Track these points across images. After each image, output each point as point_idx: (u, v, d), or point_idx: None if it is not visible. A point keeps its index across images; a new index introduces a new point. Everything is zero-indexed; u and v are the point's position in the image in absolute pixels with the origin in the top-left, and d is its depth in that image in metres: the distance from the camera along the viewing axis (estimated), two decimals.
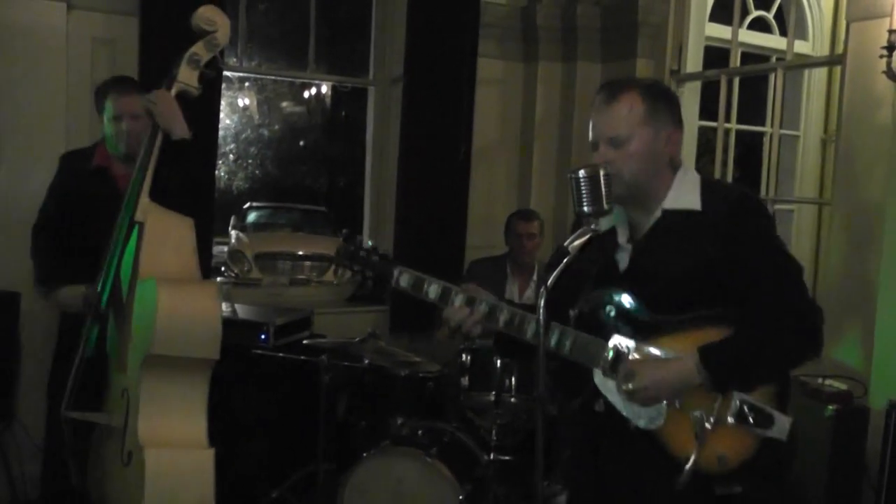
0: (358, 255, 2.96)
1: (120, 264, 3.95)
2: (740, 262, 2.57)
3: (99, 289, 3.96)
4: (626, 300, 2.67)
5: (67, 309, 4.29)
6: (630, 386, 2.58)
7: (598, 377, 2.68)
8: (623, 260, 2.76)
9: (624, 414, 2.64)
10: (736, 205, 2.64)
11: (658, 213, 2.70)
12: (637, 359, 2.63)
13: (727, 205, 2.64)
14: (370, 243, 3.01)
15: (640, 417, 2.61)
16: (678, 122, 2.75)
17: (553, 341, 2.69)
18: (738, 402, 2.55)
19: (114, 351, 4.04)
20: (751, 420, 2.54)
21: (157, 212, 3.89)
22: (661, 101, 2.71)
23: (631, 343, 2.64)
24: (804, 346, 2.65)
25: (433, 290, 2.86)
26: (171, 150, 4.04)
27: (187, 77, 4.03)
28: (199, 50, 4.02)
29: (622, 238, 2.78)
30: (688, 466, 2.51)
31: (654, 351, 2.62)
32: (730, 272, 2.57)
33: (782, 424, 2.55)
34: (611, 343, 2.66)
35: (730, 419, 2.55)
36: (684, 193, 2.70)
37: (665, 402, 2.59)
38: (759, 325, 2.56)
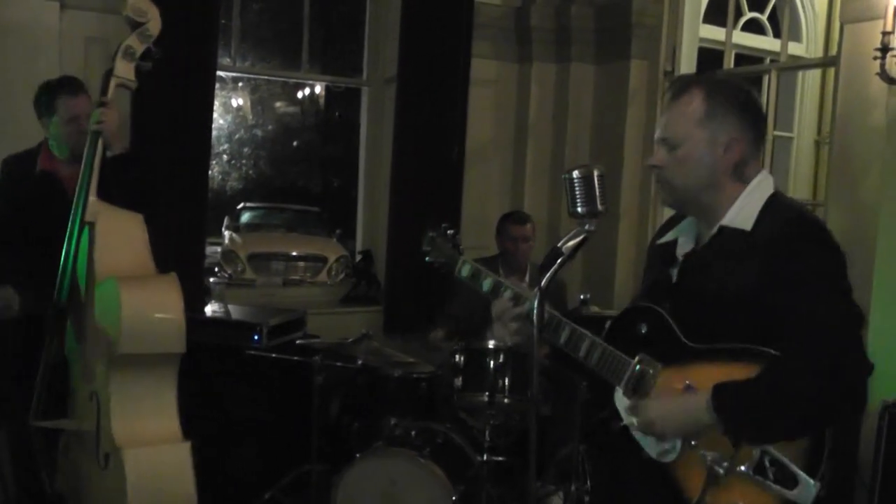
0: (435, 240, 3.20)
1: (75, 266, 3.92)
2: (786, 292, 2.31)
3: (56, 292, 3.93)
4: (660, 318, 2.52)
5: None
6: (634, 420, 2.46)
7: (619, 395, 2.56)
8: (675, 275, 2.60)
9: (637, 440, 2.51)
10: (787, 229, 2.40)
11: (715, 230, 2.50)
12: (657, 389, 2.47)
13: (780, 227, 2.40)
14: (450, 232, 3.20)
15: (652, 448, 2.48)
16: (749, 127, 2.50)
17: (583, 351, 2.59)
18: (758, 452, 2.29)
19: (74, 356, 4.01)
20: (770, 475, 2.28)
21: (106, 210, 3.88)
22: (728, 103, 2.49)
23: (657, 365, 2.49)
24: (839, 404, 2.28)
25: (487, 282, 2.91)
26: (111, 162, 4.04)
27: (123, 71, 4.01)
28: (132, 42, 4.00)
29: (680, 251, 2.63)
30: None
31: (680, 376, 2.45)
32: (774, 301, 2.31)
33: (807, 490, 2.25)
34: (635, 362, 2.53)
35: (745, 469, 2.30)
36: (745, 210, 2.47)
37: (678, 438, 2.43)
38: (788, 372, 2.26)
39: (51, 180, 4.33)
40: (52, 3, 5.46)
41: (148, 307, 3.73)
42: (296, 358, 5.02)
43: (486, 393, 4.56)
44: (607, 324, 2.63)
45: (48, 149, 4.39)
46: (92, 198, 3.87)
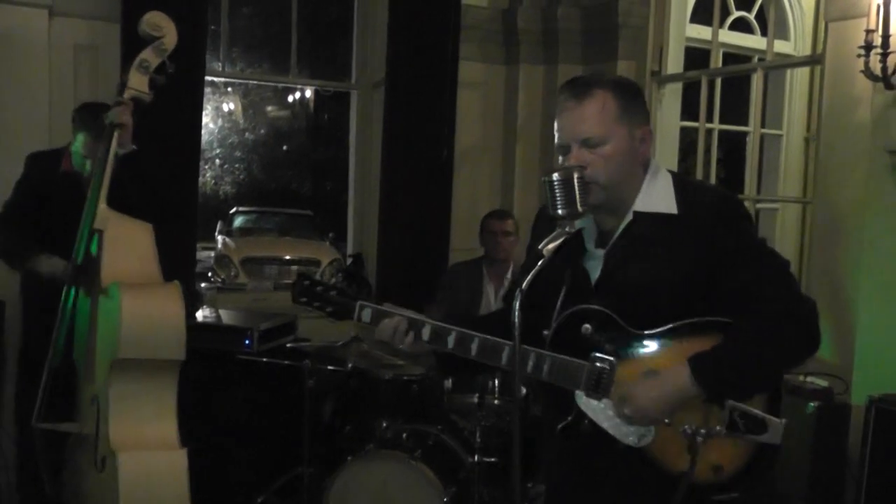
0: (314, 291, 2.84)
1: (85, 273, 3.97)
2: (730, 268, 2.47)
3: (64, 296, 3.99)
4: (603, 315, 2.54)
5: (46, 274, 4.30)
6: (627, 411, 2.47)
7: (581, 398, 2.56)
8: (594, 268, 2.61)
9: (612, 433, 2.53)
10: (717, 209, 2.53)
11: (629, 217, 2.56)
12: (629, 381, 2.50)
13: (708, 209, 2.52)
14: (321, 277, 2.91)
15: (629, 435, 2.51)
16: (649, 118, 2.65)
17: (530, 366, 2.56)
18: (727, 411, 2.44)
19: (81, 360, 4.06)
20: (742, 428, 2.44)
21: (115, 219, 3.94)
22: (633, 97, 2.59)
23: (612, 360, 2.52)
24: (802, 344, 2.53)
25: (427, 329, 2.72)
26: (125, 160, 4.12)
27: (138, 83, 4.09)
28: (147, 56, 4.08)
29: (590, 243, 2.65)
30: (681, 484, 2.42)
31: (639, 366, 2.51)
32: (718, 279, 2.47)
33: (775, 429, 2.46)
34: (590, 362, 2.53)
35: (720, 429, 2.43)
36: (656, 194, 2.57)
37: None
38: (753, 329, 2.46)
39: (73, 181, 4.43)
40: (40, 10, 5.49)
41: (148, 313, 3.78)
42: (287, 362, 5.05)
43: (476, 394, 4.59)
44: (545, 333, 2.60)
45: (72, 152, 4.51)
46: (102, 205, 3.93)
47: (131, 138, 4.19)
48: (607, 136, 2.52)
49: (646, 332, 2.52)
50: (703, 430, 2.42)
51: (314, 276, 2.88)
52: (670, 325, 2.49)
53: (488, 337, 2.63)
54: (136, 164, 4.21)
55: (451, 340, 2.68)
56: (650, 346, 2.52)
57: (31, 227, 4.48)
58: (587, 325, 2.55)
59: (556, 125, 2.61)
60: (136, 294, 3.77)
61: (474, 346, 2.65)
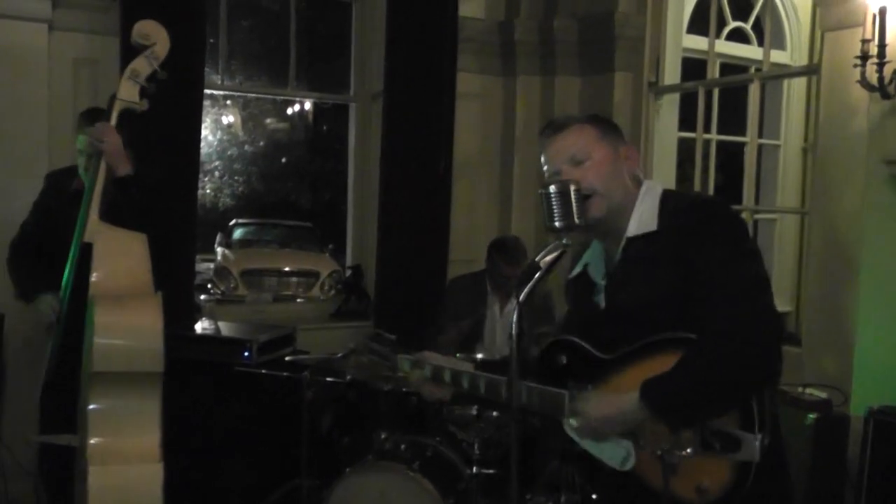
0: (373, 348, 3.32)
1: (79, 286, 3.96)
2: (700, 279, 2.42)
3: (60, 306, 4.01)
4: (575, 344, 2.65)
5: (43, 318, 4.34)
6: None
7: (567, 425, 2.64)
8: (602, 300, 2.69)
9: (596, 456, 2.59)
10: (691, 216, 2.53)
11: (623, 242, 2.61)
12: (584, 397, 2.60)
13: (683, 217, 2.53)
14: (384, 336, 3.38)
15: (613, 459, 2.56)
16: (627, 143, 2.74)
17: (524, 398, 2.68)
18: (698, 431, 2.40)
19: (85, 373, 4.05)
20: (716, 447, 2.38)
21: (106, 231, 3.89)
22: (609, 125, 2.73)
23: (588, 387, 2.61)
24: (758, 377, 2.41)
25: (428, 370, 3.02)
26: (117, 183, 4.07)
27: (128, 94, 4.00)
28: (137, 66, 4.00)
29: (597, 276, 2.73)
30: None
31: (610, 390, 2.57)
32: (689, 293, 2.44)
33: (750, 445, 2.34)
34: (569, 391, 2.62)
35: (692, 450, 2.40)
36: (645, 215, 2.60)
37: (630, 442, 2.52)
38: (709, 352, 2.38)
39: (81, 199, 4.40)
40: (40, 24, 5.50)
41: (122, 326, 3.70)
42: (285, 373, 5.05)
43: (475, 406, 4.58)
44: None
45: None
46: (93, 217, 3.90)
47: (126, 159, 4.10)
48: (591, 152, 2.63)
49: (610, 355, 2.58)
50: (676, 452, 2.42)
51: (377, 336, 3.36)
52: (630, 348, 2.53)
53: (489, 375, 2.84)
54: (133, 190, 4.12)
55: (465, 382, 2.91)
56: (616, 370, 2.57)
57: (41, 256, 4.48)
58: (562, 357, 2.68)
59: (542, 161, 2.76)
60: (110, 307, 3.71)
61: (482, 385, 2.85)
